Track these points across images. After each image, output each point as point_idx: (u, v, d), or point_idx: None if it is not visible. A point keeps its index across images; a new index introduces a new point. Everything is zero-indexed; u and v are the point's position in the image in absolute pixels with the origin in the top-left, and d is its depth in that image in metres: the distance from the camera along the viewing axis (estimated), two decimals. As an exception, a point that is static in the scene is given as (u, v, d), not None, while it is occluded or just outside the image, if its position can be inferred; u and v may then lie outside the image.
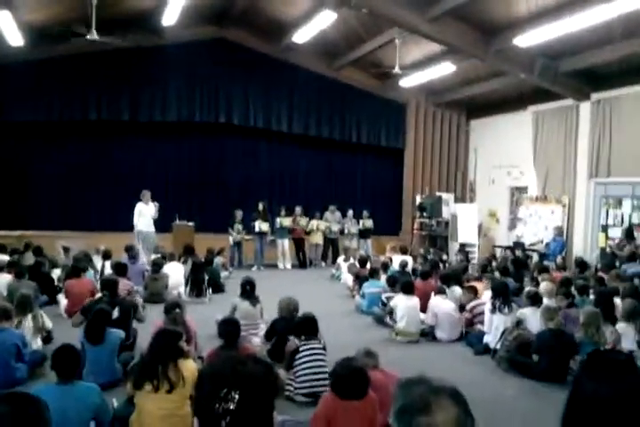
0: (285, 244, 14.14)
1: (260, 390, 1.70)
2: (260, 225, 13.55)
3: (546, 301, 7.30)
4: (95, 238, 12.64)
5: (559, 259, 11.55)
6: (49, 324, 6.56)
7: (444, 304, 7.72)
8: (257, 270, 13.25)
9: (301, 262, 14.45)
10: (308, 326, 5.49)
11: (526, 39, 10.66)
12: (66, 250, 11.06)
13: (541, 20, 10.14)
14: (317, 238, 14.71)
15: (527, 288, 8.06)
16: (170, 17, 11.67)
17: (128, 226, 12.29)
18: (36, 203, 14.00)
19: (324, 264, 14.77)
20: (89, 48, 12.08)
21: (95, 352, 5.26)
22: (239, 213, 13.71)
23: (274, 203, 14.79)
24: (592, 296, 7.71)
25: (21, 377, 5.38)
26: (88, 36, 10.27)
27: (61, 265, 10.02)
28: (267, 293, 7.83)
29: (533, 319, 6.70)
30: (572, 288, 7.90)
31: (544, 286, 7.94)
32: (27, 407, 1.78)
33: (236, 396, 1.64)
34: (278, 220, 13.97)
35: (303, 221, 14.37)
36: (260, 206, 13.78)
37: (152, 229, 12.32)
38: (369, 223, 14.87)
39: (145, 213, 12.21)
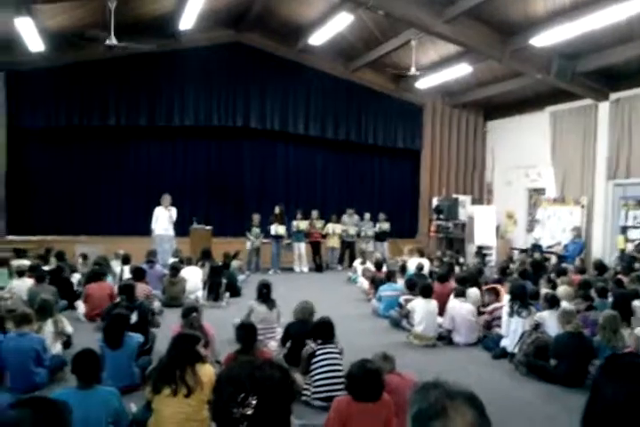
0: (302, 247, 14.14)
1: (277, 395, 1.72)
2: (277, 228, 13.58)
3: (564, 304, 7.25)
4: (114, 243, 12.74)
5: (578, 261, 11.46)
6: (69, 329, 6.63)
7: (462, 307, 7.67)
8: (274, 274, 13.28)
9: (318, 266, 14.39)
10: (325, 330, 5.49)
11: (543, 39, 10.62)
12: (84, 257, 11.17)
13: (558, 19, 10.10)
14: (334, 242, 14.72)
15: (544, 291, 7.99)
16: (187, 21, 11.75)
17: (147, 230, 12.39)
18: (56, 208, 14.14)
19: (340, 268, 14.70)
20: (107, 54, 12.17)
21: (114, 357, 5.31)
22: (257, 217, 13.76)
23: (291, 206, 14.80)
24: (611, 299, 7.64)
25: (41, 382, 5.44)
26: (107, 42, 10.36)
27: (80, 271, 10.14)
28: (283, 296, 7.85)
29: (551, 322, 6.64)
30: (592, 291, 7.83)
31: (562, 289, 7.88)
32: (48, 411, 1.81)
33: (254, 401, 1.67)
34: (295, 223, 13.97)
35: (319, 224, 14.39)
36: (277, 210, 13.79)
37: (171, 232, 12.42)
38: (385, 226, 14.83)
39: (163, 218, 12.31)
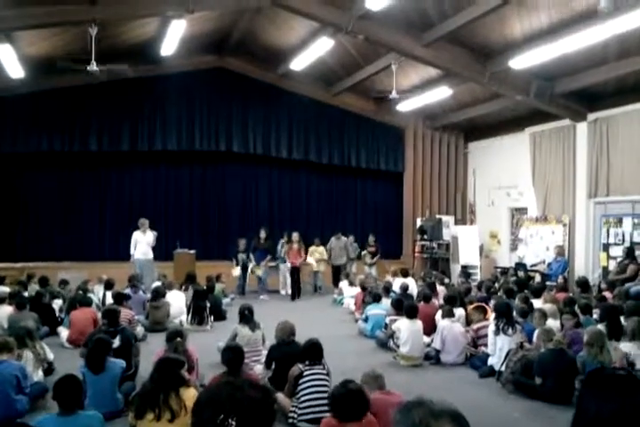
0: (287, 270, 13.95)
1: (257, 416, 1.69)
2: (254, 268, 13.37)
3: (550, 321, 7.26)
4: (97, 268, 12.66)
5: (560, 279, 11.51)
6: (50, 355, 6.53)
7: (452, 328, 7.62)
8: (263, 298, 12.99)
9: (292, 293, 13.36)
10: (313, 352, 5.45)
11: (521, 61, 10.80)
12: (64, 283, 11.02)
13: (535, 42, 10.30)
14: (318, 266, 14.27)
15: (537, 306, 8.03)
16: (168, 47, 11.82)
17: (128, 255, 12.29)
18: (38, 234, 14.06)
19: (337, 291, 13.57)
20: (89, 79, 12.21)
21: (96, 382, 5.22)
22: (242, 242, 13.50)
23: (275, 229, 14.75)
24: (595, 316, 7.66)
25: (22, 409, 5.31)
26: (88, 68, 10.38)
27: (62, 297, 10.02)
28: (269, 319, 7.78)
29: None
30: (576, 308, 7.85)
31: (548, 306, 7.89)
32: None
33: (234, 422, 1.64)
34: (279, 246, 13.88)
35: (297, 245, 13.59)
36: (263, 233, 13.50)
37: (150, 256, 12.30)
38: (373, 250, 14.69)
39: (142, 242, 12.22)
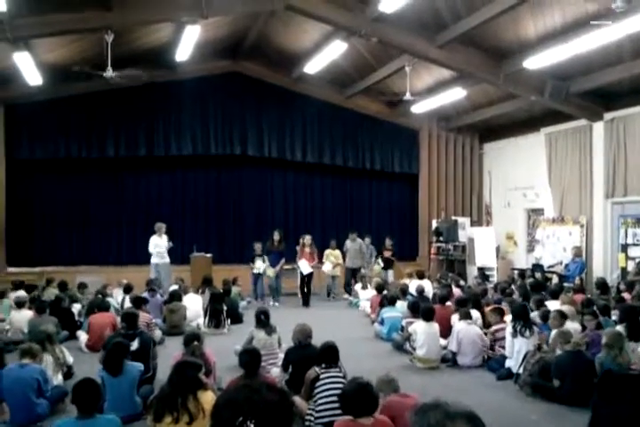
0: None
1: (275, 419, 1.71)
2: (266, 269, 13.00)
3: (569, 323, 7.21)
4: (114, 272, 12.80)
5: (577, 280, 11.43)
6: (70, 359, 6.60)
7: (469, 330, 7.60)
8: (275, 304, 12.67)
9: (304, 299, 12.96)
10: (329, 355, 5.45)
11: (535, 62, 10.75)
12: (83, 286, 11.13)
13: (549, 42, 10.26)
14: (330, 269, 13.77)
15: (553, 308, 7.98)
16: (183, 52, 11.90)
17: (146, 259, 12.38)
18: (56, 239, 14.20)
19: (347, 296, 13.68)
20: (105, 86, 12.32)
21: (115, 386, 5.27)
22: (258, 247, 13.11)
23: (290, 232, 14.74)
24: (614, 317, 7.60)
25: (43, 413, 5.38)
26: (105, 74, 10.49)
27: (80, 301, 10.13)
28: (284, 322, 7.79)
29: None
30: (594, 309, 7.80)
31: (565, 308, 7.84)
32: None
33: (252, 425, 1.65)
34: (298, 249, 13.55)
35: (308, 249, 13.22)
36: (276, 235, 13.16)
37: (167, 260, 12.38)
38: (389, 254, 14.53)
39: (160, 245, 12.31)
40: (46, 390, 5.49)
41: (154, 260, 12.27)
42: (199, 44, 11.70)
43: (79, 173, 14.49)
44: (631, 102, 12.08)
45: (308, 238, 13.27)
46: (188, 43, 11.23)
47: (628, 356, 5.94)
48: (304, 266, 12.95)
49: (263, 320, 7.22)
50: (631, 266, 11.83)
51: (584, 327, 7.23)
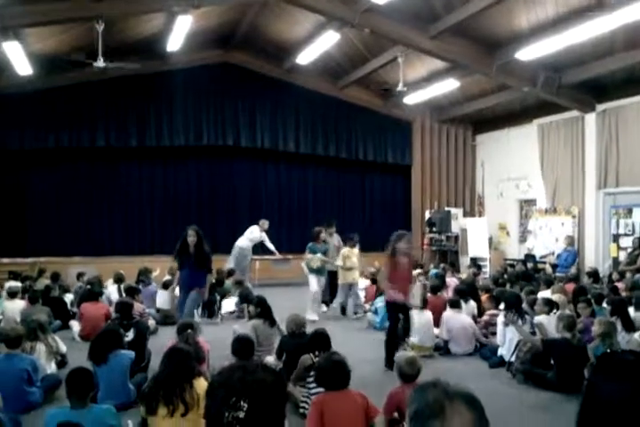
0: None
1: (269, 398, 1.72)
2: None
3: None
4: (108, 263, 12.73)
5: (574, 269, 11.50)
6: (63, 348, 6.60)
7: (457, 318, 7.69)
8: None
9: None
10: (320, 341, 5.47)
11: (528, 53, 10.77)
12: (81, 275, 11.10)
13: (542, 33, 10.25)
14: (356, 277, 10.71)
15: (540, 296, 8.04)
16: (175, 42, 11.84)
17: (139, 249, 12.35)
18: (48, 229, 14.11)
19: (325, 309, 10.88)
20: (96, 75, 12.26)
21: (106, 374, 5.24)
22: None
23: (283, 223, 14.75)
24: (605, 305, 7.66)
25: (35, 401, 5.37)
26: (95, 64, 10.43)
27: (74, 290, 10.11)
28: (277, 311, 7.75)
29: (550, 327, 6.63)
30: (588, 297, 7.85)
31: (556, 297, 7.88)
32: None
33: (246, 404, 1.66)
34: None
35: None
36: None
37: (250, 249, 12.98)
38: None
39: (255, 236, 12.89)
40: (36, 380, 5.45)
41: (244, 243, 12.66)
42: (191, 34, 11.64)
43: (71, 164, 14.41)
44: (623, 94, 12.11)
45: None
46: (179, 33, 11.18)
47: (619, 345, 6.00)
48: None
49: (262, 312, 6.92)
50: (623, 256, 11.91)
51: (577, 315, 7.27)
